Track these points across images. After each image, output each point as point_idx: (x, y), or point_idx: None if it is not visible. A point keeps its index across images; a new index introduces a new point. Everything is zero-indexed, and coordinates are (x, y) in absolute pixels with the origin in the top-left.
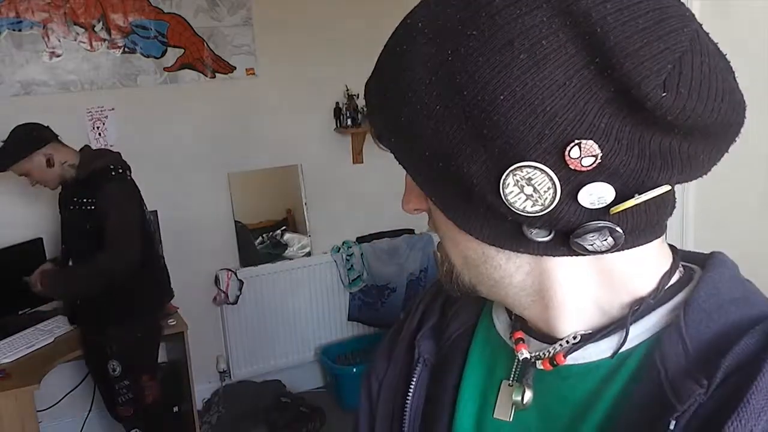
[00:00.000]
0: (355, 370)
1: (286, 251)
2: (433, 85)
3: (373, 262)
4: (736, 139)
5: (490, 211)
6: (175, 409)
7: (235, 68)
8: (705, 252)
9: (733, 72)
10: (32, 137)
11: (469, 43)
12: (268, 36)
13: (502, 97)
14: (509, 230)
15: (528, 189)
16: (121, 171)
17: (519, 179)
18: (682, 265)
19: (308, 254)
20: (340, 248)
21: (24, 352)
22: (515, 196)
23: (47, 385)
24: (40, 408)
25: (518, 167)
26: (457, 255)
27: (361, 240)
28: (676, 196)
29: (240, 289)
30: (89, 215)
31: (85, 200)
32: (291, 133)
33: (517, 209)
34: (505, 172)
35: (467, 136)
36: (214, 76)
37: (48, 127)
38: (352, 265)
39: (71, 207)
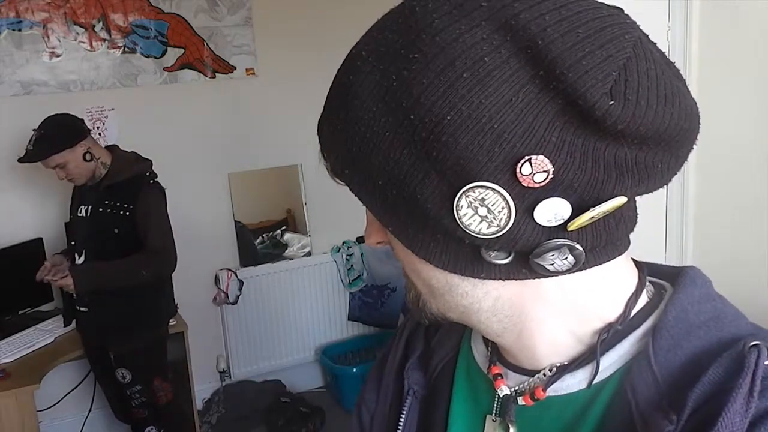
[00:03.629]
0: (355, 370)
1: (286, 251)
2: (381, 112)
3: (373, 262)
4: (694, 146)
5: (447, 237)
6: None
7: (235, 68)
8: (677, 266)
9: (683, 79)
10: (76, 127)
11: (411, 66)
12: (268, 36)
13: (449, 118)
14: (468, 255)
15: (482, 210)
16: (156, 178)
17: (472, 201)
18: (652, 282)
19: (308, 254)
20: (340, 248)
21: (24, 352)
22: (470, 218)
23: (47, 385)
24: (40, 408)
25: (470, 188)
26: (421, 284)
27: (361, 240)
28: (677, 198)
29: (240, 289)
30: (122, 219)
31: (118, 204)
32: (291, 133)
33: (473, 232)
34: (457, 194)
35: (418, 161)
36: (214, 76)
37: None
38: (352, 265)
39: (100, 209)
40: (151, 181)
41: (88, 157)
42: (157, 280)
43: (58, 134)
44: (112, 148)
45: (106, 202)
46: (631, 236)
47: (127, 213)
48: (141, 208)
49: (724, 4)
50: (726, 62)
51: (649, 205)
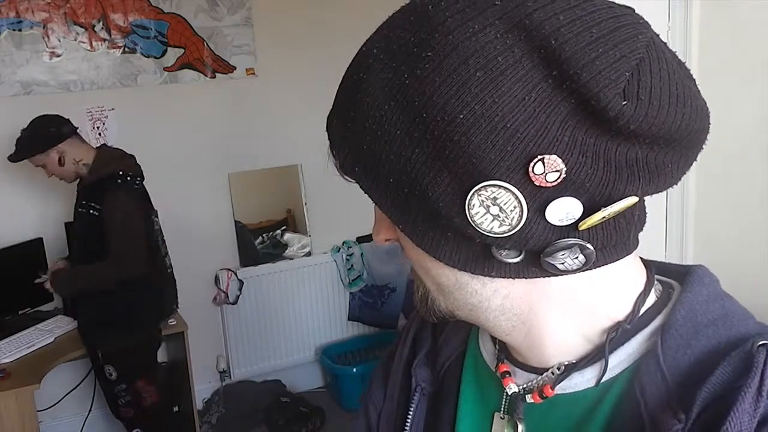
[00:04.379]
0: (355, 370)
1: (286, 251)
2: (392, 110)
3: (373, 262)
4: (703, 147)
5: (458, 235)
6: (175, 408)
7: (235, 68)
8: (685, 264)
9: (694, 79)
10: (49, 133)
11: (424, 65)
12: (268, 36)
13: (461, 117)
14: (479, 253)
15: (494, 209)
16: (129, 178)
17: (484, 199)
18: (660, 281)
19: (308, 254)
20: (340, 248)
21: (24, 352)
22: (481, 217)
23: (47, 384)
24: (40, 408)
25: (482, 187)
26: (430, 282)
27: (361, 240)
28: (677, 198)
29: (240, 289)
30: (95, 220)
31: (91, 204)
32: (291, 133)
33: (485, 230)
34: (469, 193)
35: (429, 159)
36: (214, 76)
37: (68, 120)
38: (352, 265)
39: (80, 209)
40: (119, 181)
41: (62, 161)
42: (147, 282)
43: (32, 138)
44: (100, 148)
45: (84, 202)
46: None
47: (96, 213)
48: (107, 209)
49: (724, 4)
50: (726, 62)
51: (649, 205)
